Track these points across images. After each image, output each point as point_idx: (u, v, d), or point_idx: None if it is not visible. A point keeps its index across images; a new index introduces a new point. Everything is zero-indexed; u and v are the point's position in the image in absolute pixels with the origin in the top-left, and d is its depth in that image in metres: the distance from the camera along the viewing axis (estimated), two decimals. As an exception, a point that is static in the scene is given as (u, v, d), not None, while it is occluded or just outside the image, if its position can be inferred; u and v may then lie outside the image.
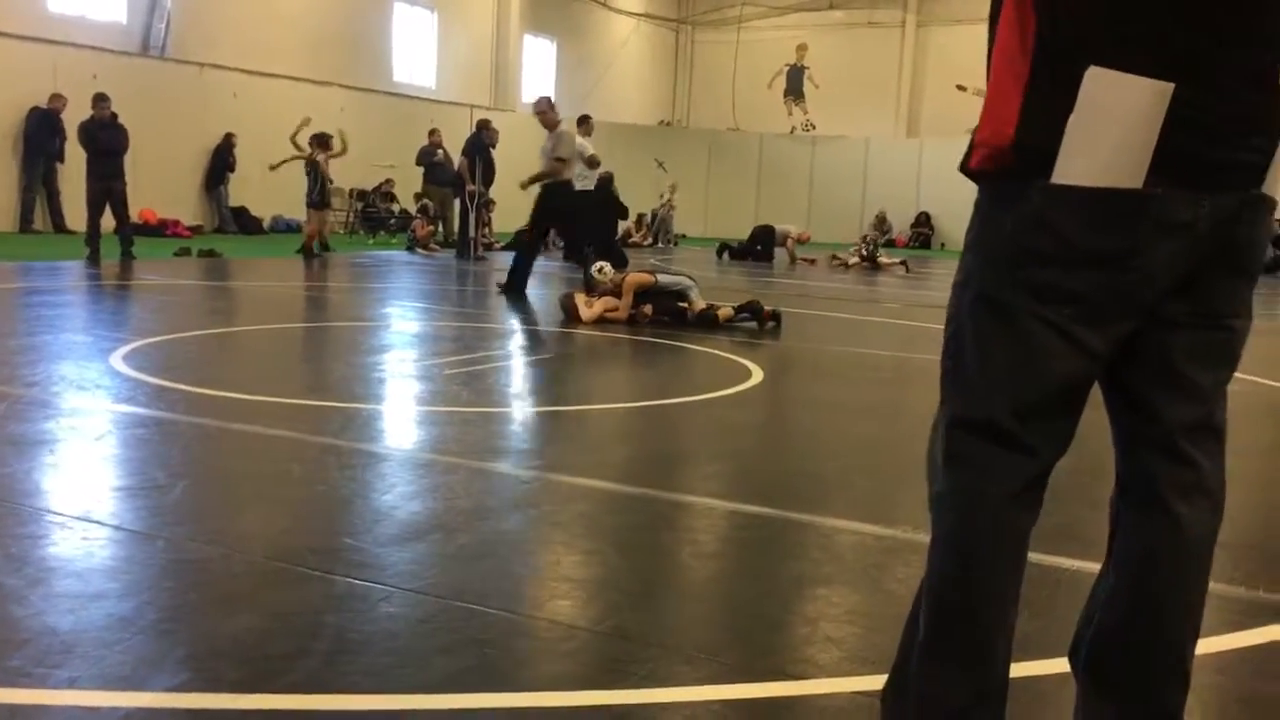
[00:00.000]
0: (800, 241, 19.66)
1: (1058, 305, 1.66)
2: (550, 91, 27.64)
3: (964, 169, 1.76)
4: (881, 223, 27.22)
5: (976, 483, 1.77)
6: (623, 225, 18.70)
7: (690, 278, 9.31)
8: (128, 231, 13.02)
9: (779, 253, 19.41)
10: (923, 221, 27.92)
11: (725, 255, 19.48)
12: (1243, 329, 1.76)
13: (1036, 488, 1.79)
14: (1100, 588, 1.88)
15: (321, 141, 15.40)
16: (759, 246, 19.52)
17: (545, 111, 11.43)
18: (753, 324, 8.84)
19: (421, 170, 19.29)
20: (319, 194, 15.29)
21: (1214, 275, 1.68)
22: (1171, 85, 1.56)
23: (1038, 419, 1.72)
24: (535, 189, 11.30)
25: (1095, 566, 3.13)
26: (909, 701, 1.87)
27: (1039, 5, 1.63)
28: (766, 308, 8.97)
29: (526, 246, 11.21)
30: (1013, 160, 1.67)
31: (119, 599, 2.69)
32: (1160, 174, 1.58)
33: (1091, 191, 1.61)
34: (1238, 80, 1.60)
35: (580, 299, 8.99)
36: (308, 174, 15.38)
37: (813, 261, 19.10)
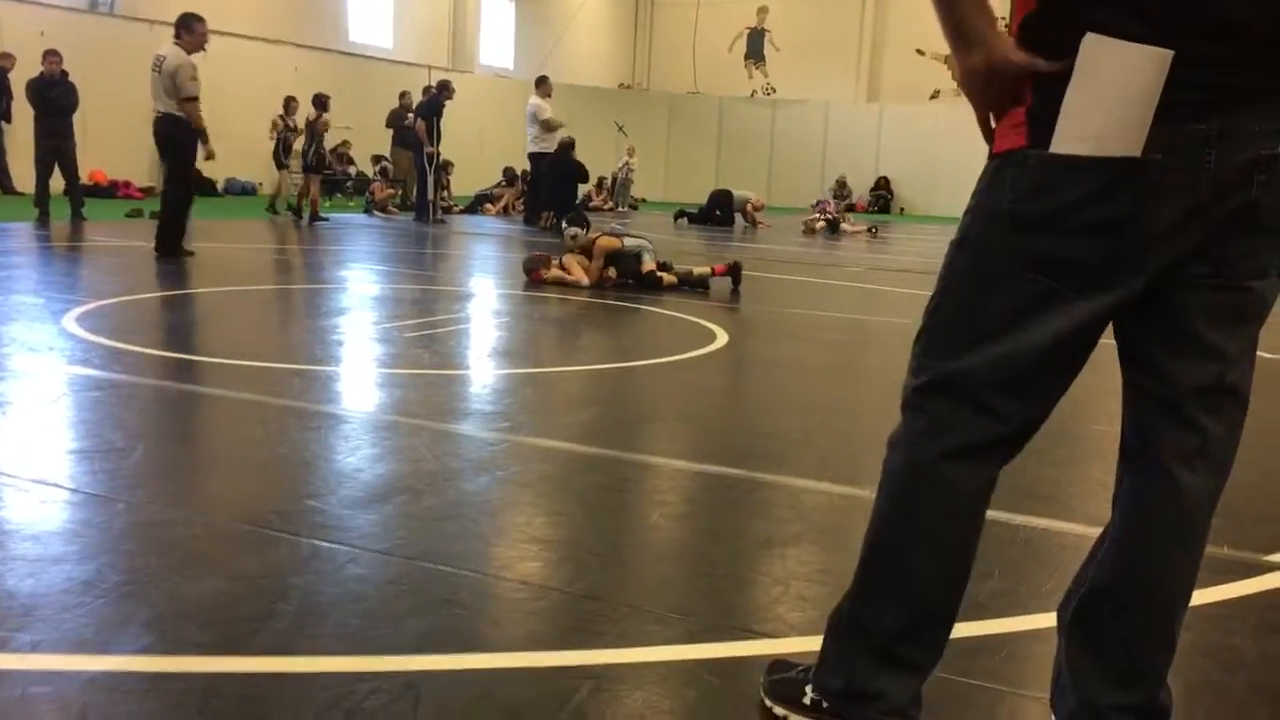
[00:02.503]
0: (756, 209, 19.69)
1: (1054, 272, 1.65)
2: (509, 52, 27.55)
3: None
4: (841, 187, 27.26)
5: (926, 434, 1.79)
6: (583, 189, 18.55)
7: (648, 240, 9.38)
8: (78, 192, 12.79)
9: (738, 218, 19.44)
10: (882, 185, 28.01)
11: (683, 221, 19.41)
12: (1264, 289, 1.69)
13: (994, 450, 1.78)
14: (1098, 545, 1.89)
15: (320, 103, 15.09)
16: (717, 211, 19.49)
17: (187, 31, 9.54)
18: (701, 289, 9.04)
19: (391, 133, 18.97)
20: (314, 157, 14.96)
21: (1231, 236, 1.63)
22: (1170, 52, 1.52)
23: (1013, 385, 1.72)
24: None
25: (1059, 525, 3.20)
26: (844, 627, 1.93)
27: None
28: (718, 265, 9.31)
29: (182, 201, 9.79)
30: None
31: (78, 562, 2.64)
32: (1159, 141, 1.56)
33: (1089, 160, 1.59)
34: (1241, 47, 1.55)
35: (569, 260, 9.04)
36: (277, 138, 15.16)
37: (768, 225, 19.16)
